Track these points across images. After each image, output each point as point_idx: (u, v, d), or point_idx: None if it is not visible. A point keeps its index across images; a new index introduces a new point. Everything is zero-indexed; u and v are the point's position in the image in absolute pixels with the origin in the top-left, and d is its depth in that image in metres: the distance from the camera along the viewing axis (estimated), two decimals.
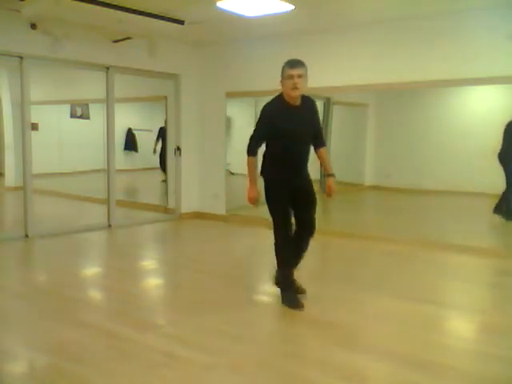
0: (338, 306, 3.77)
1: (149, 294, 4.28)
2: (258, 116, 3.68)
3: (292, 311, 3.65)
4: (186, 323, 3.41)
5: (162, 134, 9.15)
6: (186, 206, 7.46)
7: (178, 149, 7.36)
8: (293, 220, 3.82)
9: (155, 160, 9.57)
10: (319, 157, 3.88)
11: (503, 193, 6.67)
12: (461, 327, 3.57)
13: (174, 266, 5.02)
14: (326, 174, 3.83)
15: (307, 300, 3.86)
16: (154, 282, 4.63)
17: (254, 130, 3.66)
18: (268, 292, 4.07)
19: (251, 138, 3.65)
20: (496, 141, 6.66)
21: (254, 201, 3.69)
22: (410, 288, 4.24)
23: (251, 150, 3.62)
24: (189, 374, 2.70)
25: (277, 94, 3.65)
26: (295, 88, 3.46)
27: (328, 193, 3.75)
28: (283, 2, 4.89)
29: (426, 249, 5.52)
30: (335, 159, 8.98)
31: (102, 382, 2.62)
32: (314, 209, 3.83)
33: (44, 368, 2.79)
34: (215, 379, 2.66)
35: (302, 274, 4.68)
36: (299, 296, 3.78)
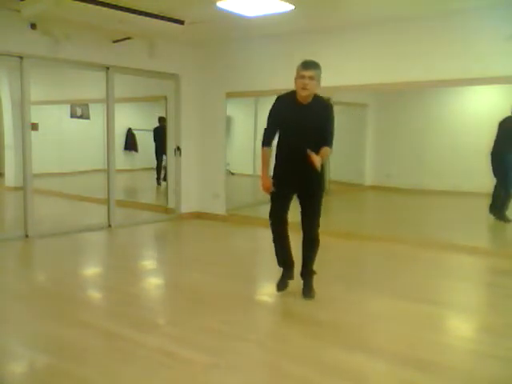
0: (337, 306, 3.77)
1: (149, 294, 4.28)
2: (271, 108, 3.78)
3: (292, 311, 3.65)
4: (186, 323, 3.41)
5: (155, 134, 9.19)
6: (186, 206, 7.46)
7: (178, 149, 7.36)
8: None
9: (155, 160, 9.59)
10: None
11: (495, 192, 6.70)
12: (460, 327, 3.57)
13: (174, 266, 5.02)
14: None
15: (307, 300, 3.86)
16: (154, 282, 4.62)
17: (266, 123, 3.78)
18: (268, 292, 4.07)
19: (264, 131, 3.78)
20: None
21: (268, 189, 3.77)
22: (410, 288, 4.24)
23: (264, 141, 3.76)
24: (189, 373, 2.70)
25: (290, 90, 3.73)
26: (304, 88, 3.57)
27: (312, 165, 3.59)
28: (283, 2, 4.89)
29: (426, 249, 5.51)
30: (335, 159, 9.08)
31: (102, 381, 2.62)
32: (314, 213, 3.86)
33: (44, 368, 2.79)
34: (215, 379, 2.66)
35: None
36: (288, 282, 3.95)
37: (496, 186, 6.72)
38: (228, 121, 7.60)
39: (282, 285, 3.94)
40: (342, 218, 7.62)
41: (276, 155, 3.82)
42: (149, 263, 5.31)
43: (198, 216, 7.44)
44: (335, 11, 5.43)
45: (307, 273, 3.95)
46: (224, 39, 6.90)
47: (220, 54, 7.15)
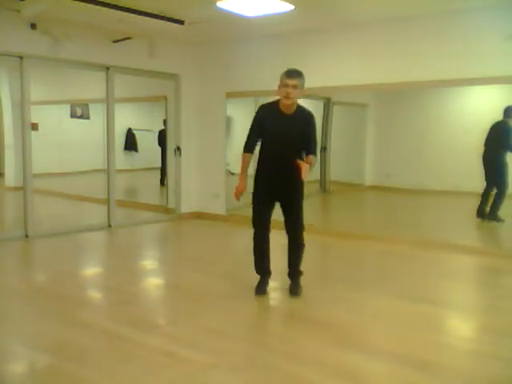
0: (337, 306, 3.77)
1: (149, 294, 4.28)
2: (254, 115, 3.83)
3: (292, 311, 3.65)
4: (186, 323, 3.42)
5: (160, 137, 9.15)
6: (186, 206, 7.46)
7: (178, 149, 7.36)
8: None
9: (155, 160, 9.57)
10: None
11: (484, 196, 6.77)
12: (460, 327, 3.57)
13: (174, 266, 5.02)
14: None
15: (307, 300, 3.87)
16: (154, 282, 4.62)
17: (249, 129, 3.84)
18: (268, 292, 4.06)
19: (247, 136, 3.85)
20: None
21: (238, 193, 3.83)
22: (410, 288, 4.24)
23: (245, 147, 3.83)
24: (189, 373, 2.70)
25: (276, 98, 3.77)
26: (288, 97, 3.60)
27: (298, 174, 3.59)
28: (283, 2, 4.89)
29: (426, 249, 5.52)
30: (335, 159, 9.09)
31: (102, 381, 2.62)
32: (296, 218, 3.87)
33: (44, 368, 2.80)
34: (215, 379, 2.66)
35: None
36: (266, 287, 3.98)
37: (486, 190, 6.79)
38: (228, 121, 7.60)
39: (260, 290, 3.97)
40: (341, 217, 7.62)
41: (258, 162, 3.86)
42: (149, 263, 5.31)
43: (198, 216, 7.44)
44: (335, 11, 5.43)
45: (294, 274, 3.99)
46: (224, 39, 6.89)
47: (220, 54, 7.15)
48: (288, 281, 4.01)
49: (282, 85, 3.62)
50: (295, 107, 3.70)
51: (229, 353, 2.96)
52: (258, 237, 3.90)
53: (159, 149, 9.10)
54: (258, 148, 3.89)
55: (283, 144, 3.70)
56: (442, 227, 6.60)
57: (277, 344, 3.15)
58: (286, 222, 3.89)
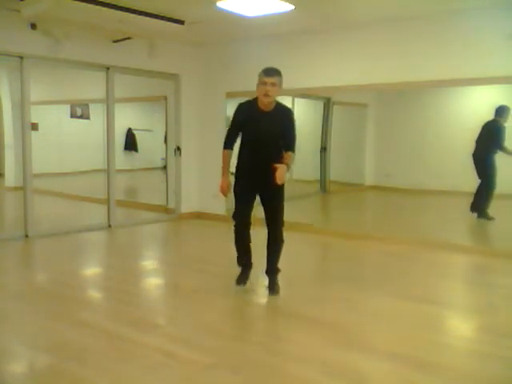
0: (337, 306, 3.77)
1: (149, 294, 4.28)
2: (234, 112, 3.89)
3: (291, 311, 3.65)
4: (186, 323, 3.42)
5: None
6: (186, 206, 7.46)
7: (178, 149, 7.36)
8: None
9: (155, 160, 9.57)
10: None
11: (478, 193, 6.86)
12: (460, 327, 3.57)
13: (174, 266, 5.02)
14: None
15: (307, 300, 3.86)
16: (154, 282, 4.62)
17: (229, 126, 3.91)
18: (268, 292, 4.06)
19: (226, 133, 3.92)
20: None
21: (225, 191, 3.88)
22: (410, 288, 4.24)
23: (224, 144, 3.88)
24: (189, 374, 2.70)
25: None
26: (267, 95, 3.66)
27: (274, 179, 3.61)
28: (283, 2, 4.89)
29: (426, 249, 5.51)
30: (335, 159, 9.09)
31: (102, 381, 2.62)
32: (277, 214, 3.91)
33: (44, 368, 2.79)
34: (215, 379, 2.66)
35: (302, 273, 4.70)
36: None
37: (479, 187, 6.88)
38: (228, 121, 7.60)
39: (240, 281, 4.06)
40: (341, 217, 7.62)
41: (238, 158, 3.91)
42: (149, 263, 5.31)
43: (198, 216, 7.44)
44: (335, 11, 5.43)
45: (272, 270, 4.00)
46: (224, 39, 6.89)
47: (220, 54, 7.15)
48: (266, 278, 4.04)
49: (261, 83, 3.68)
50: (274, 104, 3.76)
51: (229, 353, 2.96)
52: (238, 230, 3.94)
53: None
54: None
55: (263, 141, 3.76)
56: (441, 227, 6.60)
57: (277, 344, 3.15)
58: (267, 217, 3.93)
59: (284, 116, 3.83)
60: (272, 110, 3.76)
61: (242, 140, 3.89)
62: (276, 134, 3.79)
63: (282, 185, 3.76)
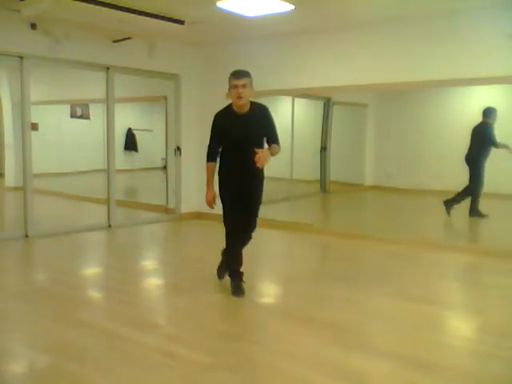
0: (337, 306, 3.77)
1: (149, 294, 4.28)
2: (211, 125, 3.88)
3: (291, 311, 3.65)
4: (186, 323, 3.42)
5: None
6: (186, 206, 7.46)
7: (178, 149, 7.36)
8: None
9: (155, 160, 9.58)
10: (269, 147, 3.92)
11: (470, 195, 6.96)
12: (460, 327, 3.57)
13: (174, 266, 5.02)
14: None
15: (307, 300, 3.87)
16: (153, 282, 4.62)
17: (209, 139, 3.87)
18: (268, 292, 4.07)
19: (208, 146, 3.89)
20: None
21: (211, 203, 3.88)
22: (410, 288, 4.24)
23: (208, 157, 3.88)
24: (189, 373, 2.70)
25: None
26: (240, 97, 3.69)
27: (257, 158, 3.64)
28: (283, 2, 4.89)
29: (426, 249, 5.51)
30: (335, 159, 9.09)
31: (101, 381, 2.62)
32: (255, 211, 3.95)
33: (44, 368, 2.79)
34: (215, 379, 2.66)
35: (302, 273, 4.70)
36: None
37: (466, 187, 6.97)
38: None
39: (221, 276, 4.20)
40: (341, 217, 7.63)
41: (220, 170, 3.91)
42: (149, 263, 5.31)
43: (198, 216, 7.44)
44: (335, 11, 5.43)
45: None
46: (224, 39, 6.89)
47: (220, 54, 7.15)
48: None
49: (232, 86, 3.71)
50: (249, 105, 3.78)
51: (228, 353, 2.96)
52: (232, 239, 3.95)
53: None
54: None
55: (244, 144, 3.74)
56: (441, 227, 6.60)
57: (276, 344, 3.15)
58: (245, 217, 3.91)
59: (261, 114, 3.85)
60: (248, 111, 3.78)
61: (222, 148, 3.88)
62: (257, 134, 3.82)
63: (262, 188, 3.89)
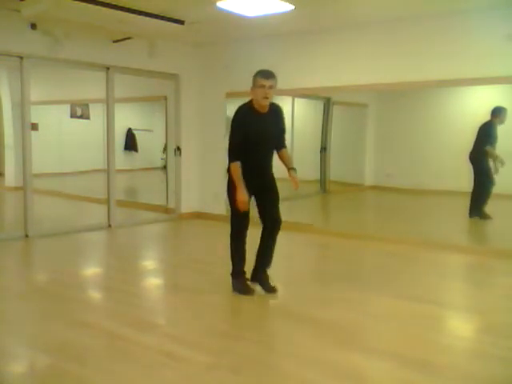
0: (337, 306, 3.77)
1: (149, 294, 4.28)
2: (231, 124, 3.79)
3: (291, 311, 3.65)
4: (186, 323, 3.42)
5: None
6: (186, 206, 7.46)
7: (178, 149, 7.36)
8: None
9: (155, 160, 9.56)
10: (280, 156, 3.96)
11: (483, 192, 6.89)
12: (460, 327, 3.57)
13: (174, 266, 5.02)
14: (287, 168, 3.91)
15: (307, 300, 3.87)
16: (154, 282, 4.63)
17: (231, 137, 3.77)
18: (267, 292, 4.06)
19: (231, 146, 3.75)
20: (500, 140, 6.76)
21: (245, 204, 3.72)
22: (410, 288, 4.24)
23: (234, 156, 3.73)
24: (189, 373, 2.70)
25: (247, 101, 3.82)
26: (266, 97, 3.66)
27: (294, 186, 3.83)
28: (283, 2, 4.89)
29: (426, 249, 5.52)
30: (335, 159, 9.08)
31: (102, 382, 2.62)
32: (278, 204, 3.96)
33: (44, 368, 2.80)
34: (215, 379, 2.66)
35: (302, 273, 4.70)
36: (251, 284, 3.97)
37: (474, 189, 6.92)
38: (228, 121, 7.60)
39: (249, 290, 3.98)
40: (341, 217, 7.62)
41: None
42: (149, 263, 5.31)
43: (198, 216, 7.44)
44: (335, 11, 5.43)
45: (269, 264, 4.02)
46: (224, 39, 6.90)
47: (220, 54, 7.15)
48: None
49: (259, 86, 3.65)
50: (268, 105, 3.78)
51: (229, 353, 2.96)
52: (240, 242, 3.95)
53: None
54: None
55: (264, 143, 3.78)
56: (442, 227, 6.60)
57: (277, 344, 3.15)
58: (269, 213, 3.91)
59: (277, 114, 3.87)
60: (268, 111, 3.78)
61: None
62: (274, 135, 3.84)
63: (276, 185, 3.93)
